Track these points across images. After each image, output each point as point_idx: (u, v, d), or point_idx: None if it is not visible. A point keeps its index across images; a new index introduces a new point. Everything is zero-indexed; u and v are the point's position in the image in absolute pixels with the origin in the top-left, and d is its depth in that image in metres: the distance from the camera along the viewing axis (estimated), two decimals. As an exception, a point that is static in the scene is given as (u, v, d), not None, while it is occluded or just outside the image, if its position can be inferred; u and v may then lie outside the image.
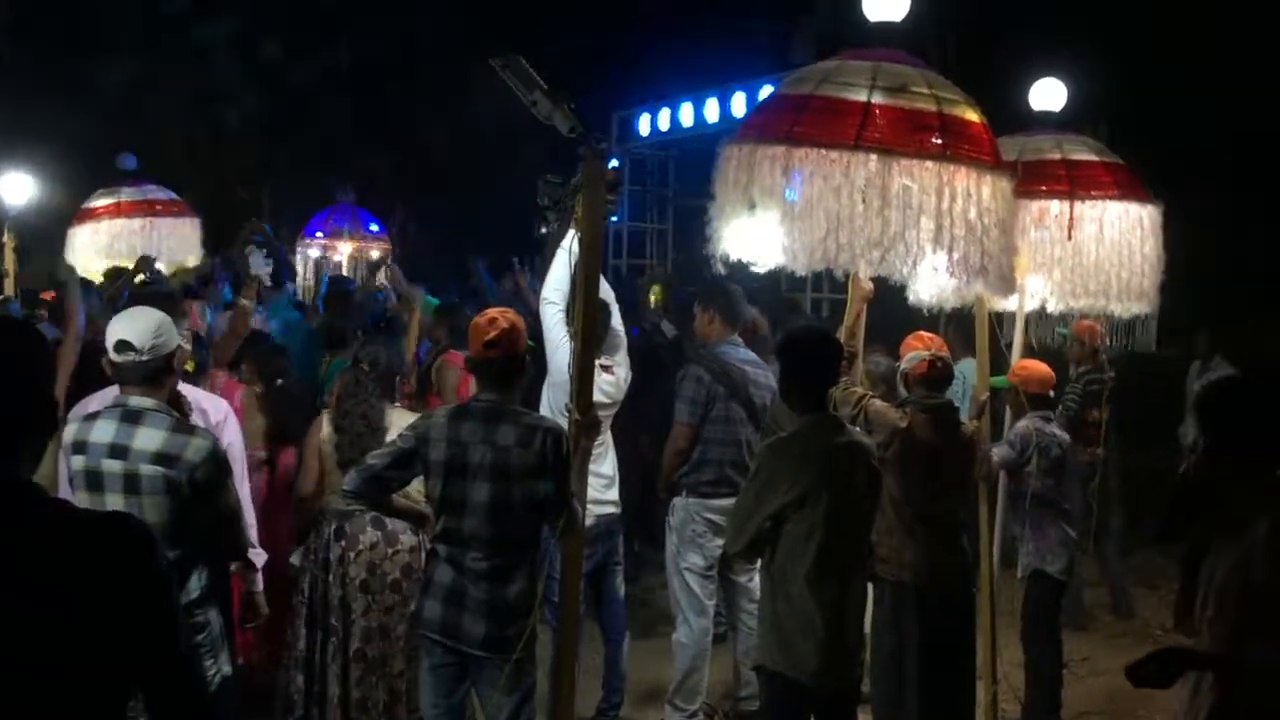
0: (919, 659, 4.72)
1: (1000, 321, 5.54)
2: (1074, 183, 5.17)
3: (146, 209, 8.55)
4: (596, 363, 4.47)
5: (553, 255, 4.98)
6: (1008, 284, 4.58)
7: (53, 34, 13.13)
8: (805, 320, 7.86)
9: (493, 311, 4.08)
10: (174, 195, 8.80)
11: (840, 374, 4.46)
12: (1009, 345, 5.61)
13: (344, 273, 11.56)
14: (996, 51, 10.62)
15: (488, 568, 3.88)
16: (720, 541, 5.32)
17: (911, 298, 4.43)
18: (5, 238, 7.88)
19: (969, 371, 6.17)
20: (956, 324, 6.64)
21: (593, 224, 3.90)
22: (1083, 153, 5.32)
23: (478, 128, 13.29)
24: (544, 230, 4.51)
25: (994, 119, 4.63)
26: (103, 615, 1.89)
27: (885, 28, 4.64)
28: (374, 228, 12.71)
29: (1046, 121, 5.50)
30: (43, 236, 8.82)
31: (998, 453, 5.41)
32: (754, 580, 5.38)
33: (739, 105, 11.53)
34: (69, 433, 3.55)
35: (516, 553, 3.90)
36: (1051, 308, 5.34)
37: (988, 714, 5.30)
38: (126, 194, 8.54)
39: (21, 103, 12.75)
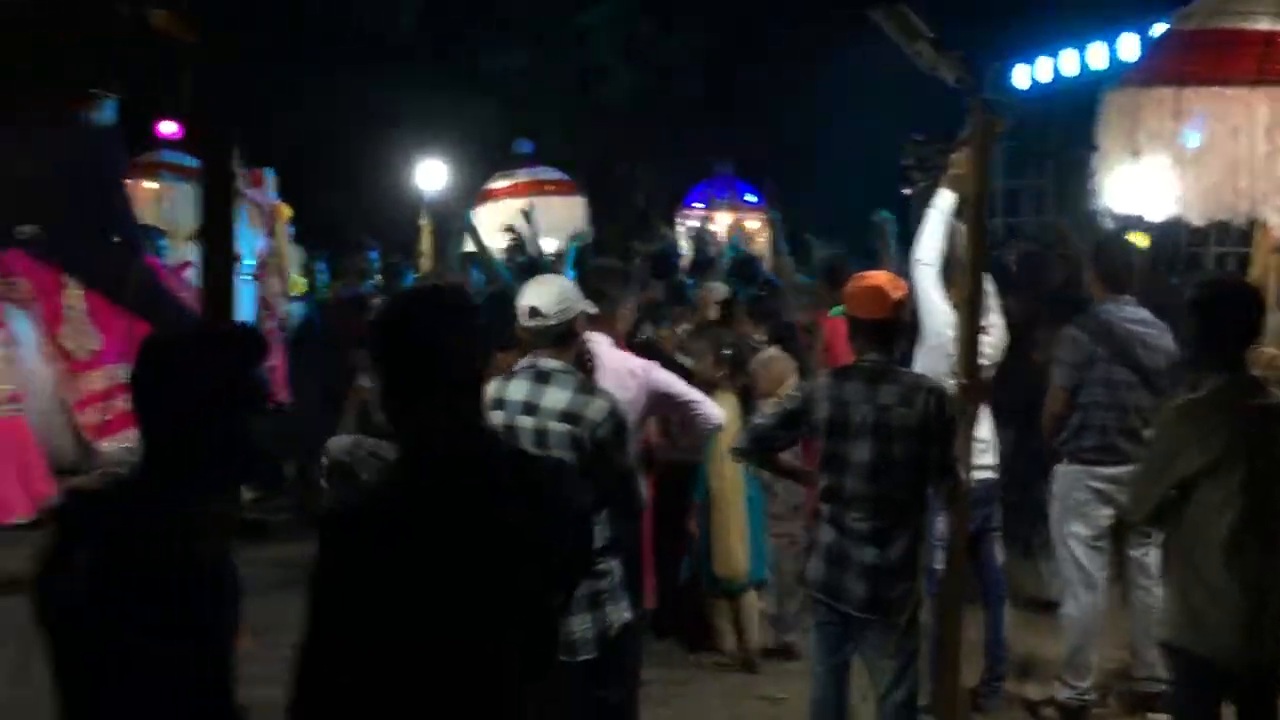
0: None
1: None
2: None
3: (538, 188, 9.26)
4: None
5: (920, 216, 4.89)
6: None
7: (456, 30, 14.34)
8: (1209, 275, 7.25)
9: (881, 275, 4.10)
10: (563, 175, 9.44)
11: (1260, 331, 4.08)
12: None
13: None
14: None
15: (869, 529, 3.90)
16: (1108, 511, 5.08)
17: None
18: (422, 220, 8.75)
19: None
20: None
21: (980, 181, 3.80)
22: None
23: (845, 89, 13.20)
24: (908, 190, 4.45)
25: None
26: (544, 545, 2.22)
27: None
28: (750, 198, 12.96)
29: None
30: (454, 218, 9.71)
31: None
32: (1149, 554, 5.08)
33: (1129, 49, 10.70)
34: (490, 390, 3.85)
35: (898, 514, 3.90)
36: None
37: None
38: (521, 175, 9.31)
39: (433, 94, 14.05)
